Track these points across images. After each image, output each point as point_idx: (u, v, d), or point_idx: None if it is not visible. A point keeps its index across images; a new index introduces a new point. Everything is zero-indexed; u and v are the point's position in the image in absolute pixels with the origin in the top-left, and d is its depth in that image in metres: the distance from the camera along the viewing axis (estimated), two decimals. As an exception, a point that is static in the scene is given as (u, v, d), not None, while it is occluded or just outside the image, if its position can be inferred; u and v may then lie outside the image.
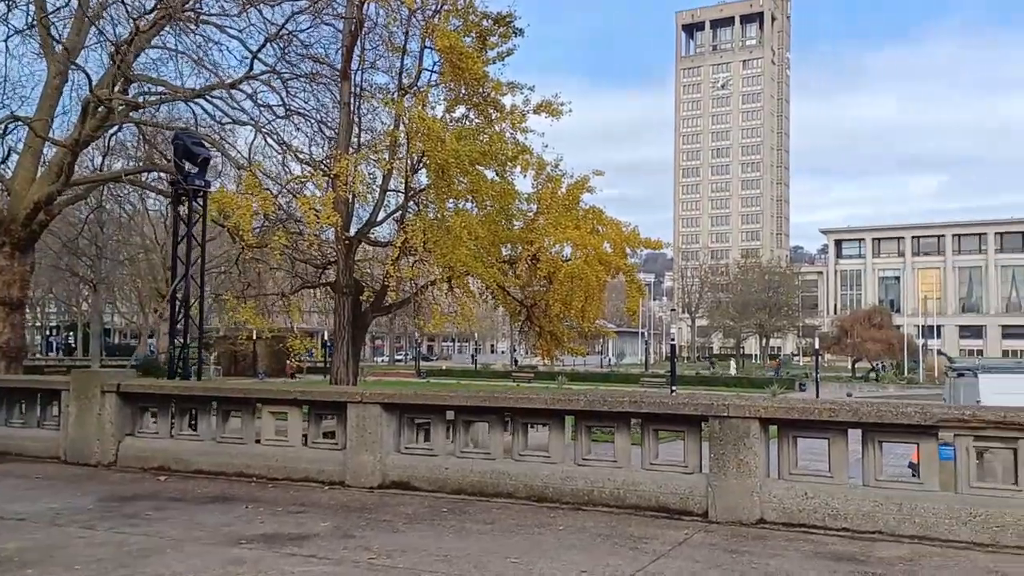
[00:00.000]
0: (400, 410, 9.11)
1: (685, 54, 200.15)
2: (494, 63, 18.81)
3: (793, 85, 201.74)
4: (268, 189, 19.22)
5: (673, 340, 39.03)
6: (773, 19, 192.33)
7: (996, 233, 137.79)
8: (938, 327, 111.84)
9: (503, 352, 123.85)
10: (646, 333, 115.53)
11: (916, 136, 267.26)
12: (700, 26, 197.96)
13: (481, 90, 18.43)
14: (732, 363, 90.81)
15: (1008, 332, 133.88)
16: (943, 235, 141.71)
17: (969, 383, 22.17)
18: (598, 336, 24.69)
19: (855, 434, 7.01)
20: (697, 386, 64.49)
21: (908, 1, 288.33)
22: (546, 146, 19.28)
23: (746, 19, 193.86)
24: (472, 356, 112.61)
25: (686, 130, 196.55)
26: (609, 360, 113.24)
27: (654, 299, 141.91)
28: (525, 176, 18.77)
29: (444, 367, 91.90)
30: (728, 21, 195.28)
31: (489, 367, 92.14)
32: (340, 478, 9.17)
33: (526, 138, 18.01)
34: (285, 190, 19.69)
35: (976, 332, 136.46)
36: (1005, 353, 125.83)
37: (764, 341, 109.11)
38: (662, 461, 7.90)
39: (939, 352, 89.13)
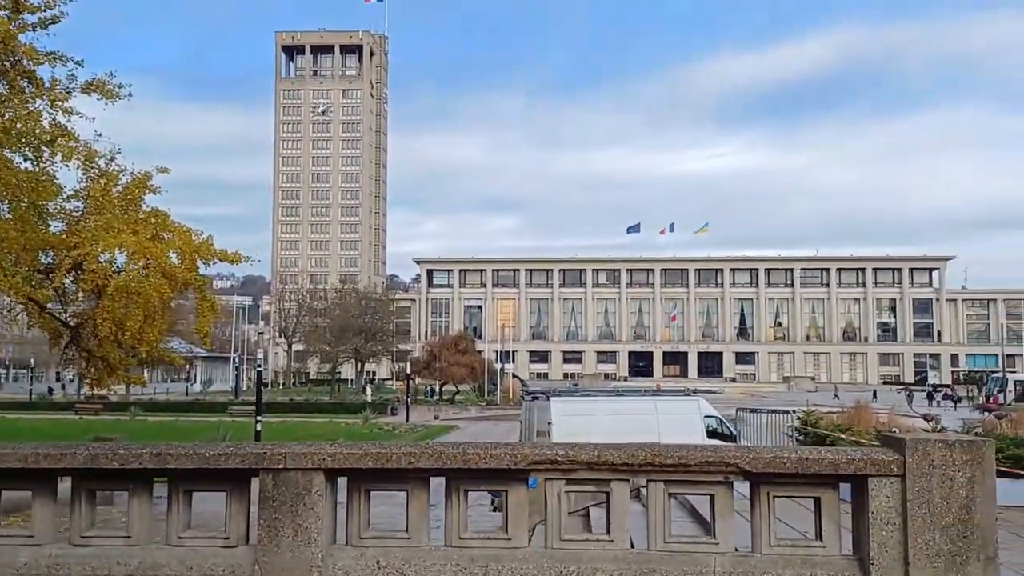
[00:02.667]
0: None
1: (285, 75, 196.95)
2: (35, 30, 15.22)
3: (391, 119, 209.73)
4: None
5: (260, 366, 36.42)
6: (372, 53, 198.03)
7: (560, 270, 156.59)
8: (513, 352, 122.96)
9: (71, 380, 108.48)
10: (238, 358, 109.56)
11: (497, 178, 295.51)
12: (301, 49, 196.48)
13: (11, 57, 14.66)
14: (368, 389, 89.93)
15: (568, 357, 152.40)
16: (518, 269, 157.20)
17: (543, 406, 23.31)
18: (164, 362, 21.42)
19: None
20: (290, 413, 61.99)
21: (490, 54, 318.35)
22: (99, 134, 15.91)
23: (346, 49, 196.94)
24: (60, 386, 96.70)
25: (286, 152, 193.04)
26: (196, 388, 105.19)
27: (250, 322, 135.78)
28: (70, 167, 15.30)
29: (-14, 400, 76.89)
30: (329, 49, 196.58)
31: (47, 398, 79.43)
32: None
33: (69, 120, 14.63)
34: None
35: (543, 357, 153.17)
36: (566, 375, 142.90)
37: (360, 366, 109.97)
38: (197, 532, 5.91)
39: (514, 375, 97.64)
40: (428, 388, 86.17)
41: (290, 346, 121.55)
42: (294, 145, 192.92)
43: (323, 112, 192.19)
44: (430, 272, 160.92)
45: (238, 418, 54.00)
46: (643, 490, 5.89)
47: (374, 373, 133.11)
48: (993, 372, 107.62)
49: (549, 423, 22.48)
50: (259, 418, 29.78)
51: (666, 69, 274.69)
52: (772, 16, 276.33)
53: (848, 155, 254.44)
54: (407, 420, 56.34)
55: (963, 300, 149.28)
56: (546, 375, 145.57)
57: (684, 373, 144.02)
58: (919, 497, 5.13)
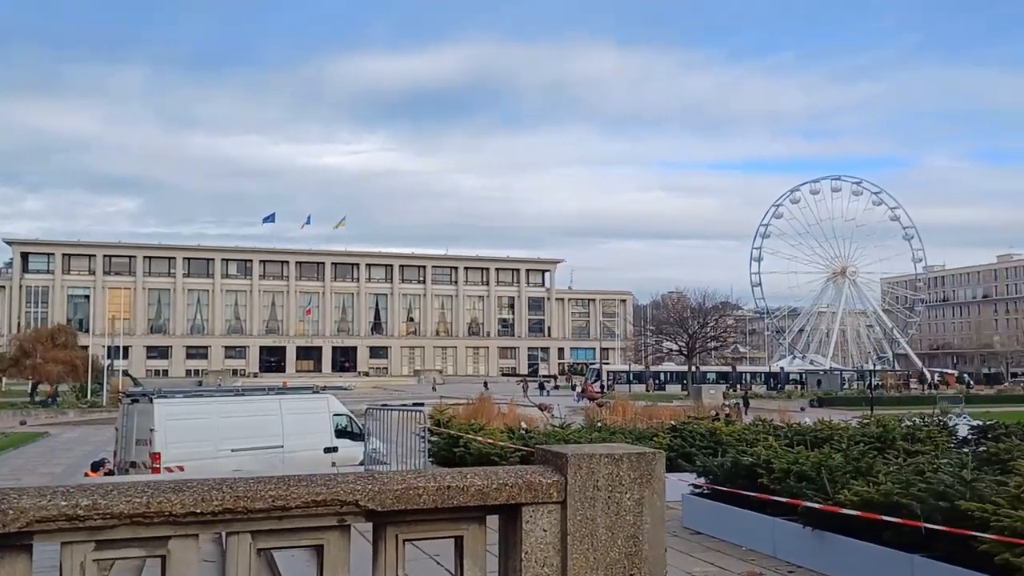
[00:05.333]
0: None
1: None
2: None
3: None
4: None
5: None
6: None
7: (184, 258, 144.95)
8: (127, 348, 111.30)
9: None
10: None
11: (116, 156, 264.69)
12: None
13: None
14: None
15: (192, 352, 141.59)
16: (135, 256, 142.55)
17: (144, 409, 20.09)
18: None
19: None
20: None
21: (105, 17, 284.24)
22: None
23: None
24: None
25: None
26: None
27: None
28: None
29: None
30: None
31: None
32: None
33: None
34: None
35: (163, 352, 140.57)
36: (189, 372, 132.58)
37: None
38: None
39: (125, 373, 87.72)
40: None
41: None
42: None
43: None
44: (25, 256, 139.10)
45: None
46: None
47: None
48: (590, 364, 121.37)
49: (152, 429, 19.42)
50: None
51: (306, 61, 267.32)
52: (407, 23, 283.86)
53: (476, 162, 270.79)
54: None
55: (569, 299, 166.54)
56: (167, 372, 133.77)
57: (319, 368, 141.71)
58: (582, 528, 4.06)
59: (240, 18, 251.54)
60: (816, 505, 7.01)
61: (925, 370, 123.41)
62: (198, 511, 3.62)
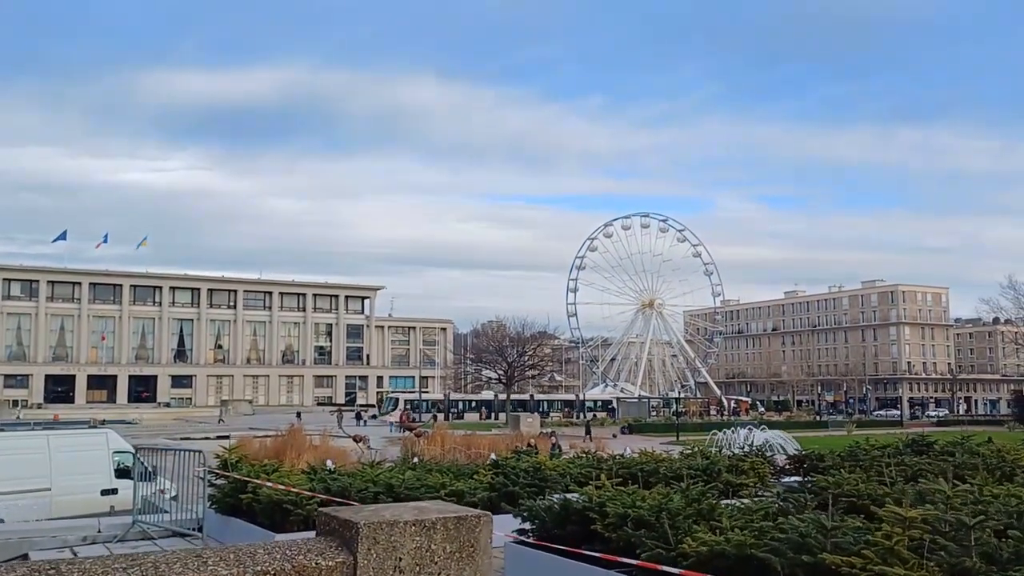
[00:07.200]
0: None
1: None
2: None
3: None
4: None
5: None
6: None
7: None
8: None
9: None
10: None
11: None
12: None
13: None
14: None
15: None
16: None
17: None
18: None
19: None
20: None
21: None
22: None
23: None
24: None
25: None
26: None
27: None
28: None
29: None
30: None
31: None
32: None
33: None
34: None
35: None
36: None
37: None
38: None
39: None
40: None
41: None
42: None
43: None
44: None
45: None
46: None
47: None
48: (390, 393, 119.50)
49: None
50: None
51: (107, 72, 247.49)
52: (220, 41, 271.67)
53: (294, 185, 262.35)
54: None
55: (389, 327, 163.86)
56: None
57: (113, 398, 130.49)
58: (378, 628, 2.92)
59: (30, 23, 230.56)
60: (674, 570, 6.15)
61: (723, 398, 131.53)
62: None
